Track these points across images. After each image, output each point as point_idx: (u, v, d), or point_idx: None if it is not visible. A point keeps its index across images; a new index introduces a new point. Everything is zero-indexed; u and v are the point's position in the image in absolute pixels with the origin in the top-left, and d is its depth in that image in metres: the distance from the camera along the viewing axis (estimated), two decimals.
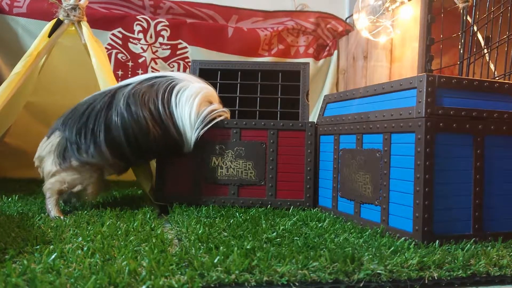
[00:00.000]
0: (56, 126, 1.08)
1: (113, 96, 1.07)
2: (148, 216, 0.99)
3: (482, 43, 1.28)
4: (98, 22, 1.76)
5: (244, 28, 2.00)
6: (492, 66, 1.25)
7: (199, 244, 0.74)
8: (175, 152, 1.12)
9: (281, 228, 0.88)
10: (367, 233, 0.86)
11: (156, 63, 1.87)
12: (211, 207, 1.09)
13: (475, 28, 1.28)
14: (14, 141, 1.73)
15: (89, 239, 0.76)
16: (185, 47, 1.90)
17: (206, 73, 1.41)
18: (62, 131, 1.05)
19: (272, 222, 0.94)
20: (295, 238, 0.80)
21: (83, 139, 1.03)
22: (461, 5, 1.31)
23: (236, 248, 0.68)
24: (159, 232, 0.83)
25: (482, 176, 0.85)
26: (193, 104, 1.09)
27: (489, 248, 0.77)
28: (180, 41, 1.90)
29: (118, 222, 0.91)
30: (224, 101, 1.23)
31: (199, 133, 1.10)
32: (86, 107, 1.06)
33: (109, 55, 1.79)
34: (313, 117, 1.95)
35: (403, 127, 0.85)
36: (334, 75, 2.10)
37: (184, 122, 1.09)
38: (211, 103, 1.15)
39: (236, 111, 1.37)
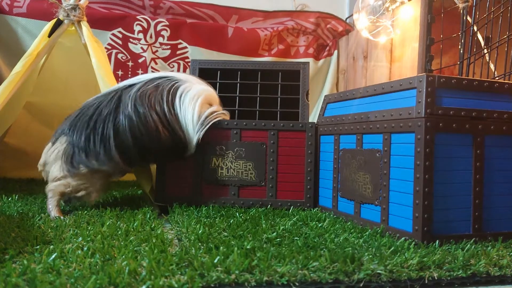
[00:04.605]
0: (61, 131, 1.06)
1: (119, 99, 1.06)
2: (148, 216, 0.99)
3: (482, 43, 1.28)
4: (98, 22, 1.76)
5: (244, 28, 2.00)
6: (492, 66, 1.25)
7: (199, 244, 0.74)
8: (180, 154, 1.12)
9: (281, 228, 0.88)
10: (367, 233, 0.86)
11: (156, 63, 1.87)
12: (211, 207, 1.09)
13: (475, 28, 1.28)
14: (14, 141, 1.73)
15: (89, 239, 0.76)
16: (185, 47, 1.90)
17: (206, 72, 1.41)
18: (69, 136, 1.04)
19: (272, 222, 0.94)
20: (295, 238, 0.80)
21: (92, 144, 1.02)
22: (461, 5, 1.31)
23: (236, 248, 0.68)
24: (159, 232, 0.83)
25: (482, 176, 0.85)
26: (195, 106, 1.09)
27: (489, 248, 0.77)
28: (180, 41, 1.90)
29: (118, 222, 0.91)
30: (224, 101, 1.23)
31: (199, 135, 1.10)
32: (93, 111, 1.04)
33: (109, 55, 1.79)
34: (313, 117, 1.95)
35: (403, 127, 0.85)
36: (334, 75, 2.10)
37: (187, 124, 1.08)
38: (211, 105, 1.15)
39: (236, 111, 1.37)
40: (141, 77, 1.12)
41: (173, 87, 1.09)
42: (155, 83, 1.09)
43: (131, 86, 1.09)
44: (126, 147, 1.03)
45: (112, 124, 1.02)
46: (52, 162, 1.05)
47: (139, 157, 1.06)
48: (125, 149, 1.03)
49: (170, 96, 1.08)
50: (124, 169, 1.08)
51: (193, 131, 1.09)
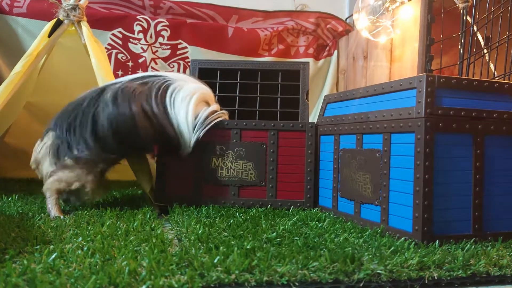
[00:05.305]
0: (48, 127, 1.08)
1: (101, 92, 1.07)
2: (148, 216, 0.99)
3: (482, 43, 1.28)
4: (98, 22, 1.75)
5: (244, 28, 2.00)
6: (492, 66, 1.25)
7: (199, 244, 0.74)
8: (173, 151, 1.12)
9: (281, 228, 0.88)
10: (367, 233, 0.86)
11: (156, 63, 1.87)
12: (211, 207, 1.09)
13: (475, 28, 1.28)
14: (14, 141, 1.73)
15: (89, 239, 0.76)
16: (185, 47, 1.90)
17: (205, 72, 1.41)
18: (54, 131, 1.06)
19: (272, 222, 0.94)
20: (295, 238, 0.80)
21: (72, 135, 1.04)
22: (461, 5, 1.31)
23: (236, 248, 0.68)
24: (159, 232, 0.83)
25: (482, 176, 0.85)
26: (189, 105, 1.08)
27: (489, 248, 0.77)
28: (180, 41, 1.90)
29: (118, 222, 0.91)
30: (224, 101, 1.23)
31: (199, 135, 1.09)
32: (76, 105, 1.07)
33: (109, 55, 1.79)
34: (313, 117, 1.95)
35: (403, 127, 0.85)
36: (334, 75, 2.10)
37: (180, 124, 1.07)
38: (208, 103, 1.15)
39: (236, 111, 1.37)
40: (130, 76, 1.13)
41: (164, 85, 1.09)
42: (143, 81, 1.10)
43: (116, 83, 1.10)
44: (104, 134, 1.03)
45: (92, 114, 1.04)
46: (42, 158, 1.06)
47: (120, 148, 1.06)
48: (103, 137, 1.03)
49: (160, 93, 1.07)
50: (107, 158, 1.07)
51: (188, 130, 1.08)
